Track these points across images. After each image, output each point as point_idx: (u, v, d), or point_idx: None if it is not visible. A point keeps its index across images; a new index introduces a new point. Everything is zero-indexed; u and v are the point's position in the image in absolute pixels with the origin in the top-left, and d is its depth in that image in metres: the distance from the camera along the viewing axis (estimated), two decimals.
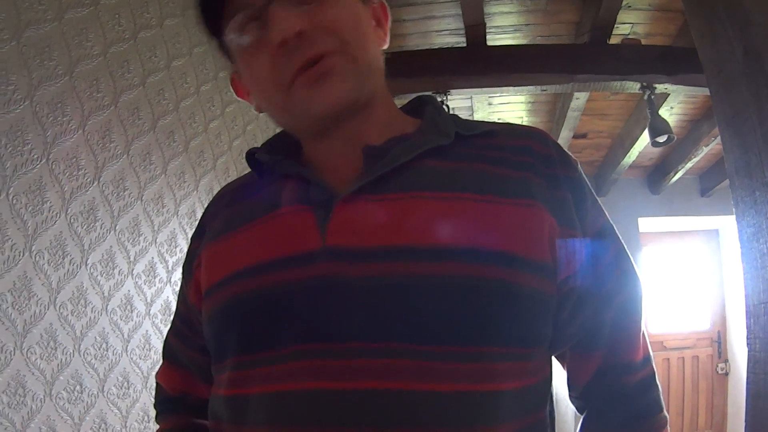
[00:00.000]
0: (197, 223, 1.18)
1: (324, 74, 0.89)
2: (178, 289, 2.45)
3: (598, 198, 1.04)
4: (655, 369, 1.06)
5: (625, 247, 1.04)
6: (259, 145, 1.12)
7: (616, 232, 1.03)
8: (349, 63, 0.92)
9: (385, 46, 1.05)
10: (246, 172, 1.16)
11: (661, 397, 1.05)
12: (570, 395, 1.08)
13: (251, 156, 1.06)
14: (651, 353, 1.06)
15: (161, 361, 1.29)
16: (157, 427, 1.22)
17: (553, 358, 1.02)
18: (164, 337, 1.28)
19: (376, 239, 0.85)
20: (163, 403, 1.22)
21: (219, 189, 1.19)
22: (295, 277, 0.86)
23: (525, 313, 0.85)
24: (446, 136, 0.96)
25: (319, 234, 0.88)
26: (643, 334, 1.04)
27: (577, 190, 0.98)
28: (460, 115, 3.71)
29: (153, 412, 1.26)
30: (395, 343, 0.80)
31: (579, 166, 1.04)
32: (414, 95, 1.15)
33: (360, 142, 0.97)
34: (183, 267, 1.16)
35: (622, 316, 1.00)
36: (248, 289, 0.90)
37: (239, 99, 1.15)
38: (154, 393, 1.28)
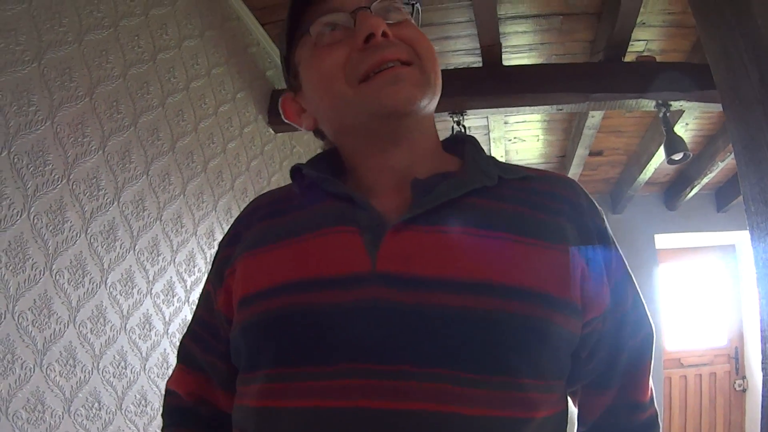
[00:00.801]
0: (228, 230, 1.19)
1: (399, 77, 0.96)
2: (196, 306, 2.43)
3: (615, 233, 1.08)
4: (658, 410, 1.10)
5: (640, 292, 1.08)
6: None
7: (634, 280, 1.08)
8: (420, 74, 0.99)
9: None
10: (256, 189, 1.17)
11: None
12: (578, 430, 1.12)
13: (297, 171, 1.09)
14: (654, 394, 1.10)
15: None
16: None
17: None
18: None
19: (427, 269, 0.88)
20: (174, 413, 1.17)
21: (237, 210, 1.20)
22: (345, 297, 0.88)
23: (557, 349, 0.90)
24: (490, 178, 1.00)
25: (369, 258, 0.90)
26: (650, 376, 1.09)
27: (603, 239, 1.02)
28: (477, 135, 3.74)
29: None
30: (442, 369, 0.83)
31: (605, 215, 1.08)
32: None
33: (408, 170, 1.02)
34: (211, 273, 1.15)
35: (636, 358, 1.04)
36: (292, 303, 0.91)
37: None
38: (162, 404, 1.24)
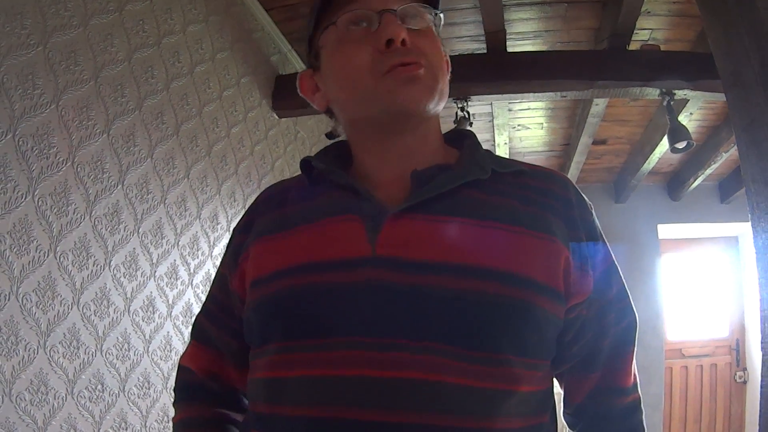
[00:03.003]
0: (242, 217, 1.25)
1: (415, 77, 1.03)
2: (200, 291, 2.47)
3: (607, 224, 1.12)
4: (641, 395, 1.16)
5: (625, 284, 1.15)
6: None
7: (620, 271, 1.14)
8: (431, 79, 1.06)
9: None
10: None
11: (644, 421, 1.15)
12: (564, 411, 1.19)
13: (307, 163, 1.15)
14: (638, 380, 1.16)
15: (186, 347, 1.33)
16: (174, 416, 1.25)
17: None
18: (193, 321, 1.30)
19: (421, 254, 0.96)
20: (187, 388, 1.25)
21: (241, 194, 1.23)
22: (346, 278, 0.96)
23: (540, 330, 0.97)
24: (484, 171, 1.07)
25: (369, 243, 0.98)
26: (634, 363, 1.15)
27: (590, 232, 1.09)
28: (481, 122, 3.75)
29: (172, 413, 1.27)
30: (433, 343, 0.91)
31: (593, 210, 1.14)
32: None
33: (410, 160, 1.09)
34: (226, 257, 1.22)
35: (619, 344, 1.11)
36: (300, 282, 0.99)
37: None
38: (174, 380, 1.30)
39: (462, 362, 0.90)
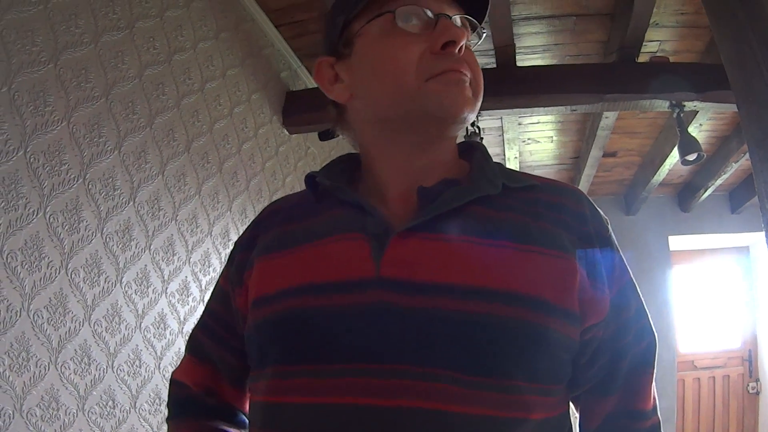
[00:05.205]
0: (246, 232, 1.21)
1: (462, 82, 1.01)
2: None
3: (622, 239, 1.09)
4: (660, 419, 1.11)
5: (644, 303, 1.09)
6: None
7: (638, 289, 1.09)
8: (473, 94, 1.04)
9: None
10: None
11: None
12: None
13: (311, 179, 1.11)
14: (658, 403, 1.11)
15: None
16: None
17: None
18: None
19: (427, 275, 0.91)
20: (183, 403, 1.21)
21: (252, 210, 1.21)
22: (349, 301, 0.92)
23: (552, 354, 0.92)
24: (494, 186, 1.03)
25: (374, 263, 0.94)
26: (653, 385, 1.09)
27: (606, 248, 1.03)
28: (491, 136, 3.73)
29: None
30: (438, 369, 0.86)
31: (609, 224, 1.09)
32: None
33: (420, 174, 1.06)
34: (229, 272, 1.17)
35: (638, 366, 1.05)
36: (299, 306, 0.95)
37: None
38: (167, 395, 1.25)
39: (468, 389, 0.86)
